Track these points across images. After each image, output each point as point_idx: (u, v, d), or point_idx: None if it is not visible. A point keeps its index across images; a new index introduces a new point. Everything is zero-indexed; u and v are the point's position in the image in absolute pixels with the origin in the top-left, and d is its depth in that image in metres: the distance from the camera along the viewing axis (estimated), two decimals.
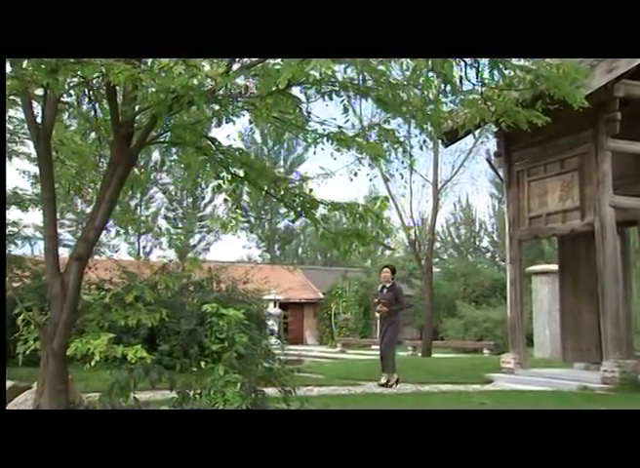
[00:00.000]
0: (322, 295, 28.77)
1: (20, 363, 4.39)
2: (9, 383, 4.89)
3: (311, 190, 5.15)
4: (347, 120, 4.30)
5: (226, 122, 4.67)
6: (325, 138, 4.69)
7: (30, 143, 9.36)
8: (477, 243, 40.40)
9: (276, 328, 24.06)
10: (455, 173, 20.77)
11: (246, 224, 38.09)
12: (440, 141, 13.59)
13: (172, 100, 4.15)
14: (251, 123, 4.74)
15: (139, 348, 4.14)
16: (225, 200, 5.18)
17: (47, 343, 4.36)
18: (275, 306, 24.43)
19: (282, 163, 38.43)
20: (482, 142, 19.80)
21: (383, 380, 9.26)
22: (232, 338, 3.83)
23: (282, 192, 5.00)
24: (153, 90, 4.21)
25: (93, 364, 4.10)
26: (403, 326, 11.11)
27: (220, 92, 4.36)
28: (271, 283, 20.11)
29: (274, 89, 3.82)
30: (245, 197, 5.77)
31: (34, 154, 8.51)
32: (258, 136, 37.65)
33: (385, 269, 9.87)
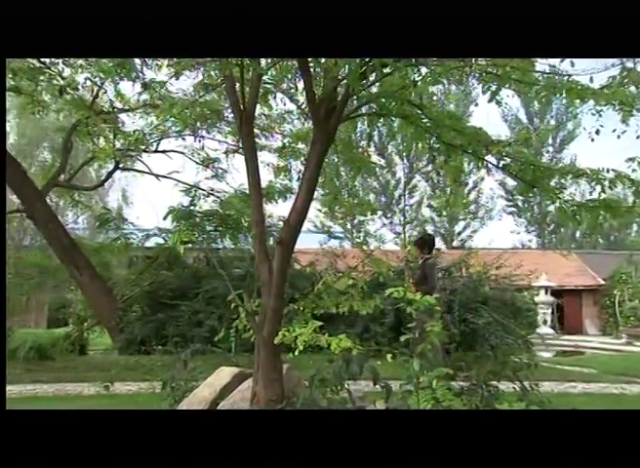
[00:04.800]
0: (602, 282, 26.14)
1: (233, 350, 4.37)
2: (235, 370, 4.92)
3: (536, 156, 4.33)
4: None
5: (433, 84, 4.12)
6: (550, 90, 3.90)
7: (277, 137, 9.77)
8: None
9: (549, 317, 22.48)
10: None
11: (513, 208, 36.32)
12: None
13: (363, 67, 3.77)
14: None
15: (343, 338, 3.82)
16: (437, 171, 4.63)
17: (258, 331, 4.27)
18: (547, 293, 22.84)
19: (550, 141, 35.73)
20: None
21: None
22: (424, 328, 3.31)
23: (503, 160, 4.28)
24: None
25: (297, 353, 3.89)
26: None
27: None
28: (541, 269, 18.68)
29: None
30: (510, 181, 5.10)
31: (274, 145, 8.78)
32: (523, 116, 35.73)
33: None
